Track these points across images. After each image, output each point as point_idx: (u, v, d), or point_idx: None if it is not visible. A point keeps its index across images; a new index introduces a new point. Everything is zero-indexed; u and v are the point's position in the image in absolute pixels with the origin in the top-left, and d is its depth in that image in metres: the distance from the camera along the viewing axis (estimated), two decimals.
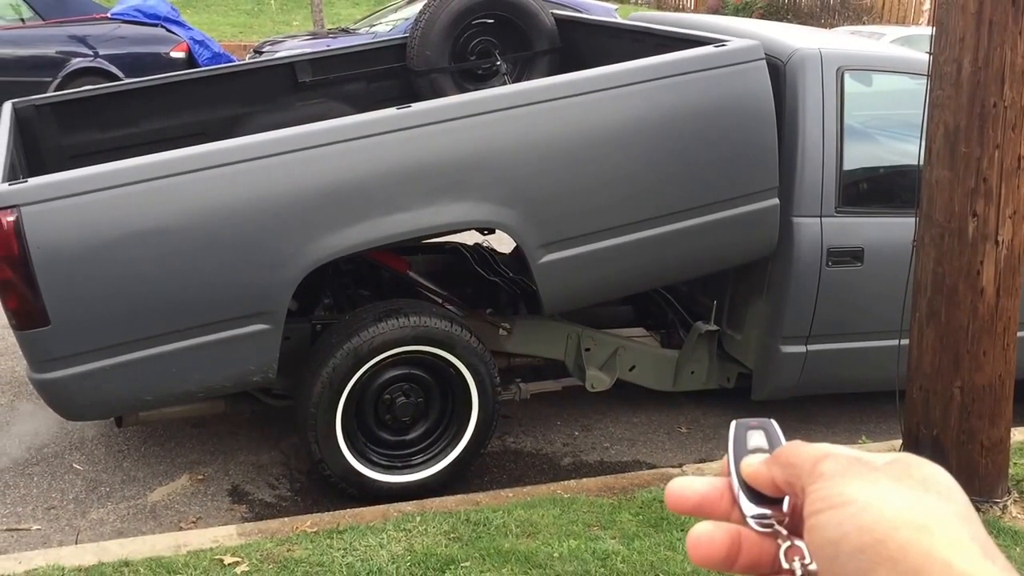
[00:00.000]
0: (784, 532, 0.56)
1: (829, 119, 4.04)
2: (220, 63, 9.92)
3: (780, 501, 0.57)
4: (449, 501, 3.71)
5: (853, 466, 0.52)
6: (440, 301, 4.26)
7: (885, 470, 0.52)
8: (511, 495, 3.78)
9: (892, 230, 4.16)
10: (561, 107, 3.67)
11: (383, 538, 3.34)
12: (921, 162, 3.56)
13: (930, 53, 3.52)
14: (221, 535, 3.41)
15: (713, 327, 4.42)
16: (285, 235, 3.40)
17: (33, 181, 3.24)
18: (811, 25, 15.66)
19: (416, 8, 9.40)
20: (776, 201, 4.00)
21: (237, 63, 7.15)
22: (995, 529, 3.51)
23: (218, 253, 3.35)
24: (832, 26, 17.04)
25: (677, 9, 20.58)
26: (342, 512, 3.61)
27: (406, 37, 5.55)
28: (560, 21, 5.55)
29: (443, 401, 3.98)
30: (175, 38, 10.12)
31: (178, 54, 9.99)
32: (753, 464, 0.58)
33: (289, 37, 10.89)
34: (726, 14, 16.72)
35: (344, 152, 3.45)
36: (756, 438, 0.60)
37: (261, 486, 4.07)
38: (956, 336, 3.47)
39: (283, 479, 4.13)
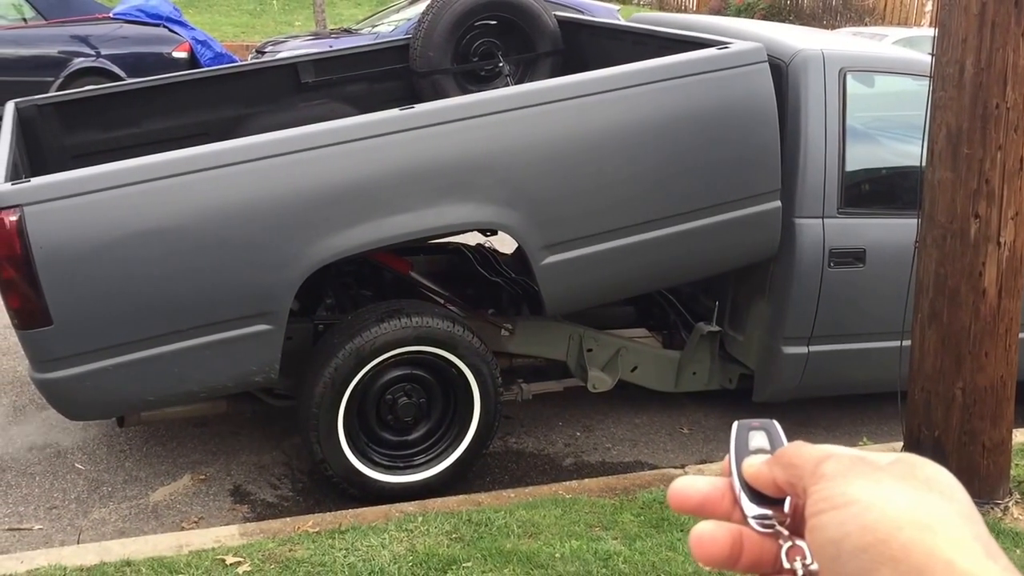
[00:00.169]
0: (785, 532, 0.56)
1: (831, 120, 4.04)
2: (222, 63, 9.93)
3: (781, 502, 0.57)
4: (451, 501, 3.71)
5: (856, 466, 0.52)
6: (442, 302, 4.26)
7: (889, 470, 0.52)
8: (513, 495, 3.78)
9: (894, 231, 4.16)
10: (564, 109, 3.67)
11: (385, 538, 3.34)
12: (923, 163, 3.56)
13: (932, 54, 3.52)
14: (223, 535, 3.41)
15: (715, 328, 4.42)
16: (288, 236, 3.40)
17: (36, 181, 3.24)
18: (813, 26, 15.66)
19: (418, 9, 9.40)
20: (778, 204, 4.00)
21: (239, 63, 7.16)
22: (996, 530, 3.51)
23: (220, 253, 3.35)
24: (834, 27, 17.04)
25: (679, 10, 20.57)
26: (344, 512, 3.62)
27: (409, 38, 5.55)
28: (563, 23, 5.55)
29: (445, 401, 3.99)
30: (177, 38, 10.14)
31: (180, 54, 10.00)
32: (755, 465, 0.58)
33: (291, 37, 10.90)
34: (728, 15, 16.72)
35: (347, 153, 3.45)
36: (758, 439, 0.60)
37: (263, 486, 4.07)
38: (958, 337, 3.47)
39: (285, 479, 4.14)
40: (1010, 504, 3.68)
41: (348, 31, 10.95)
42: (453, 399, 3.97)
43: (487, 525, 3.45)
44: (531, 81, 5.03)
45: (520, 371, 4.51)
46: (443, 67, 5.35)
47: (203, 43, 10.47)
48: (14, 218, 3.10)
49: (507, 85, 5.29)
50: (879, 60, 4.47)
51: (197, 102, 5.16)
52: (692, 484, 0.60)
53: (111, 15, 10.16)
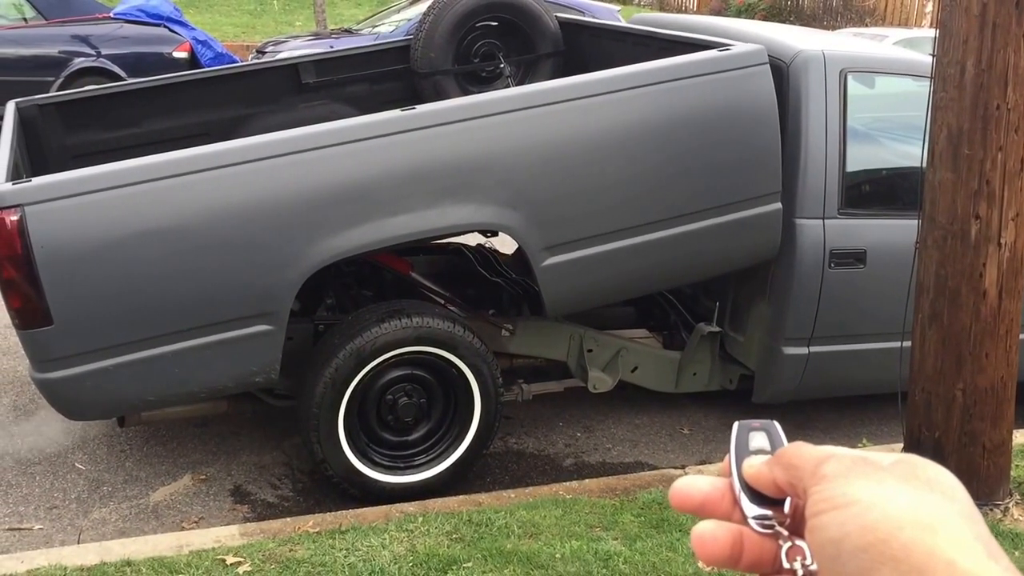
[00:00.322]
0: (785, 533, 0.56)
1: (832, 121, 4.04)
2: (223, 63, 9.94)
3: (781, 502, 0.57)
4: (451, 502, 3.71)
5: (857, 466, 0.52)
6: (442, 302, 4.26)
7: (890, 470, 0.52)
8: (513, 496, 3.78)
9: (895, 232, 4.16)
10: (565, 110, 3.67)
11: (385, 538, 3.34)
12: (924, 164, 3.56)
13: (933, 55, 3.52)
14: (223, 535, 3.41)
15: (715, 328, 4.42)
16: (289, 236, 3.40)
17: (36, 181, 3.24)
18: (814, 27, 15.65)
19: (418, 9, 9.41)
20: (779, 205, 4.00)
21: (240, 63, 7.16)
22: (996, 532, 3.51)
23: (221, 254, 3.35)
24: (835, 28, 17.04)
25: (679, 10, 20.58)
26: (344, 512, 3.62)
27: (410, 39, 5.56)
28: (564, 24, 5.56)
29: (445, 402, 3.99)
30: (178, 38, 10.14)
31: (181, 54, 10.00)
32: (755, 465, 0.58)
33: (292, 37, 10.90)
34: (728, 15, 16.72)
35: (348, 154, 3.45)
36: (758, 439, 0.60)
37: (263, 486, 4.07)
38: (958, 338, 3.47)
39: (285, 479, 4.14)
40: (1010, 505, 3.68)
41: (348, 31, 10.96)
42: (453, 399, 3.97)
43: (487, 525, 3.45)
44: (532, 82, 5.04)
45: (520, 371, 4.51)
46: (444, 68, 5.35)
47: (203, 43, 10.48)
48: (15, 218, 3.10)
49: (508, 86, 5.29)
50: (880, 61, 4.47)
51: (198, 102, 5.16)
52: (693, 484, 0.60)
53: (111, 15, 10.16)
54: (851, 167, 4.14)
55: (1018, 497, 3.74)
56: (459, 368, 3.87)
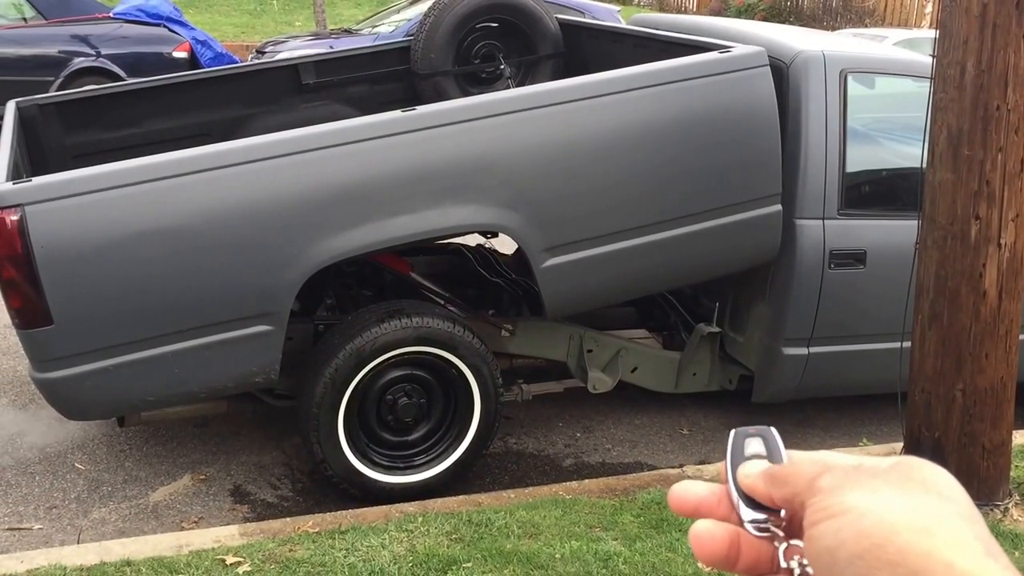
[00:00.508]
0: (781, 534, 0.57)
1: (832, 121, 4.04)
2: (222, 63, 9.95)
3: (777, 508, 0.57)
4: (451, 502, 3.72)
5: (852, 477, 0.52)
6: (442, 302, 4.26)
7: (885, 476, 0.52)
8: (513, 496, 3.78)
9: (894, 233, 4.16)
10: (565, 111, 3.68)
11: (385, 538, 3.35)
12: (924, 165, 3.57)
13: (933, 56, 3.53)
14: (223, 535, 3.41)
15: (715, 329, 4.42)
16: (289, 237, 3.40)
17: (37, 180, 3.24)
18: (813, 27, 15.66)
19: (418, 9, 9.42)
20: (779, 207, 4.00)
21: (241, 64, 7.16)
22: (996, 532, 3.51)
23: (221, 254, 3.35)
24: (834, 28, 17.05)
25: (679, 10, 20.58)
26: (344, 512, 3.62)
27: (410, 40, 5.56)
28: (564, 25, 5.56)
29: (445, 402, 3.99)
30: (177, 38, 10.14)
31: (180, 54, 10.00)
32: (751, 475, 0.58)
33: (291, 37, 10.91)
34: (728, 16, 16.73)
35: (348, 154, 3.46)
36: (754, 445, 0.61)
37: (263, 486, 4.07)
38: (958, 339, 3.47)
39: (285, 479, 4.14)
40: (1010, 506, 3.68)
41: (348, 31, 10.96)
42: (453, 400, 3.97)
43: (487, 526, 3.45)
44: (532, 83, 5.04)
45: (520, 372, 4.51)
46: (444, 69, 5.35)
47: (203, 43, 10.48)
48: (15, 217, 3.10)
49: (508, 87, 5.29)
50: (880, 61, 4.47)
51: (198, 102, 5.16)
52: (690, 488, 0.60)
53: (111, 15, 10.16)
54: (851, 168, 4.14)
55: (1018, 497, 3.74)
56: (459, 368, 3.87)
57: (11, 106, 4.61)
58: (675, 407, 4.87)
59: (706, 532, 0.57)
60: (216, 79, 5.33)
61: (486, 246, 4.73)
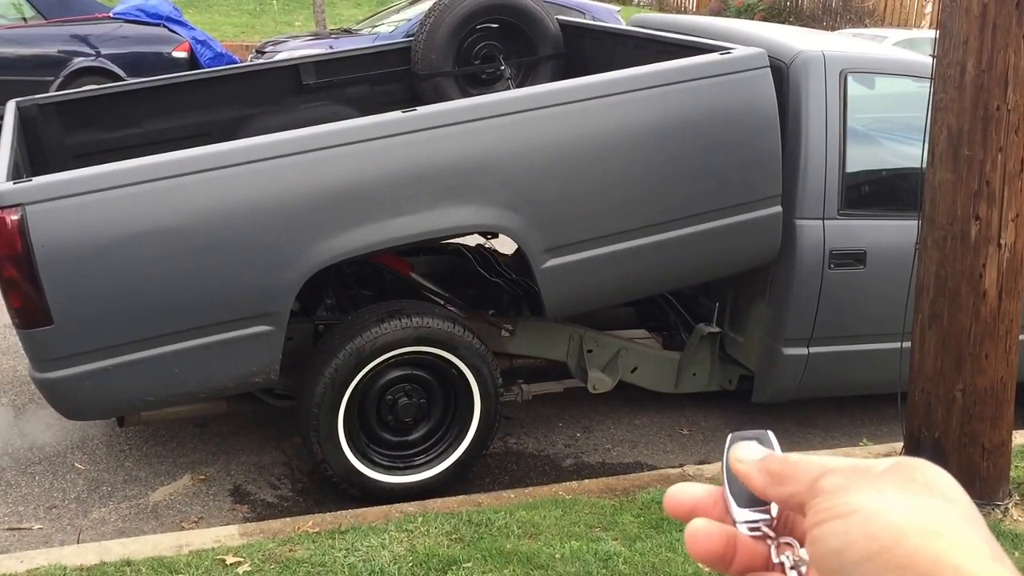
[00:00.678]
0: (773, 534, 0.57)
1: (832, 121, 4.04)
2: (222, 63, 9.95)
3: (769, 506, 0.58)
4: (451, 502, 3.72)
5: (855, 477, 0.52)
6: (442, 302, 4.26)
7: (887, 476, 0.51)
8: (513, 496, 3.78)
9: (894, 233, 4.16)
10: (565, 112, 3.68)
11: (385, 538, 3.35)
12: (924, 165, 3.57)
13: (933, 56, 3.53)
14: (223, 535, 3.41)
15: (715, 329, 4.42)
16: (289, 237, 3.40)
17: (37, 180, 3.24)
18: (813, 27, 15.66)
19: (418, 9, 9.42)
20: (779, 208, 4.00)
21: (241, 64, 7.16)
22: (996, 532, 3.51)
23: (222, 254, 3.35)
24: (834, 28, 17.05)
25: (678, 11, 20.58)
26: (344, 512, 3.62)
27: (410, 40, 5.56)
28: (564, 26, 5.56)
29: (445, 402, 3.99)
30: (177, 38, 10.14)
31: (180, 54, 10.00)
32: (746, 462, 0.58)
33: (291, 37, 10.91)
34: (727, 16, 16.73)
35: (349, 155, 3.46)
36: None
37: (263, 486, 4.07)
38: (958, 339, 3.47)
39: (285, 479, 4.14)
40: (1010, 506, 3.68)
41: (348, 31, 10.96)
42: (453, 400, 3.97)
43: (487, 526, 3.45)
44: (532, 84, 5.04)
45: (520, 372, 4.51)
46: (445, 70, 5.35)
47: (203, 43, 10.48)
48: (15, 217, 3.10)
49: (508, 88, 5.29)
50: (880, 61, 4.47)
51: (199, 103, 5.16)
52: (686, 490, 0.60)
53: (111, 15, 10.16)
54: (851, 168, 4.14)
55: (1018, 498, 3.74)
56: (459, 368, 3.87)
57: (11, 106, 4.61)
58: (675, 407, 4.87)
59: (702, 530, 0.57)
60: (216, 79, 5.33)
61: (486, 246, 4.73)
